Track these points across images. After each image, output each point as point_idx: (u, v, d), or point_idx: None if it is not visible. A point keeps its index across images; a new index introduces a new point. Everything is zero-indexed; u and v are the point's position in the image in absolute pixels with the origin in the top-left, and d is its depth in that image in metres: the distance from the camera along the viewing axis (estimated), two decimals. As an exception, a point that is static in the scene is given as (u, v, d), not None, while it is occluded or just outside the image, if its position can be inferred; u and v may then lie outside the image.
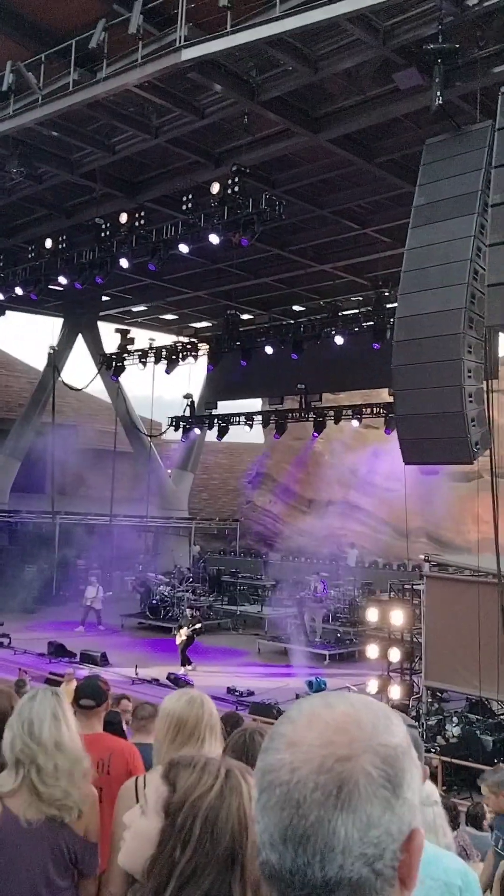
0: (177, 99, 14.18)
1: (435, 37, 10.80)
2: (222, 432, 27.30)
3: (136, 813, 1.71)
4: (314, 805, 0.82)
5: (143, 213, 16.52)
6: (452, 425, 11.03)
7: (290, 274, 23.20)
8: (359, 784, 0.83)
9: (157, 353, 25.55)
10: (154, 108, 14.77)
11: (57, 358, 28.27)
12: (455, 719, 12.79)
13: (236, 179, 14.36)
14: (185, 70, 12.40)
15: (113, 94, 13.42)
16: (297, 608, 21.13)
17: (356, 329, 21.45)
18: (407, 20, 11.51)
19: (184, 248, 16.31)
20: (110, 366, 26.72)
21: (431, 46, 10.73)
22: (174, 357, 25.18)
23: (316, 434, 26.56)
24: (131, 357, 26.36)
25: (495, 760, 10.74)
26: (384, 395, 22.46)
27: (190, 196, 15.49)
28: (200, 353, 25.35)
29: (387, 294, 20.15)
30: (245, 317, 26.49)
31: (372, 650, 15.19)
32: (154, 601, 23.17)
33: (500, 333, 12.46)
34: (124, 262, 17.11)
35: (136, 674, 16.22)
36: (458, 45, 10.78)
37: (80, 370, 30.41)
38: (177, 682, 15.35)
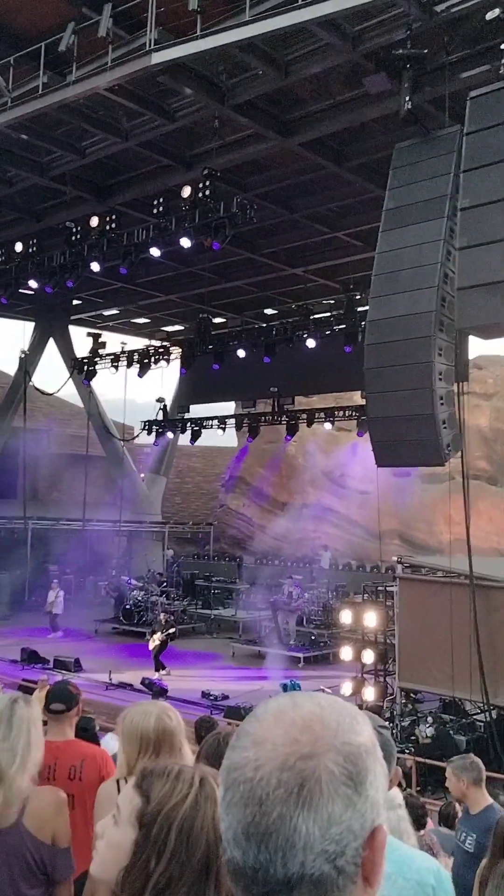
0: (147, 102, 14.17)
1: (403, 42, 10.90)
2: (195, 436, 27.23)
3: (108, 822, 1.69)
4: (276, 802, 0.83)
5: (114, 217, 16.46)
6: (424, 427, 11.11)
7: (261, 277, 23.25)
8: (320, 781, 0.84)
9: (130, 357, 25.45)
10: (124, 111, 14.73)
11: (28, 362, 28.05)
12: (429, 720, 12.86)
13: (207, 183, 14.36)
14: (156, 74, 12.39)
15: (83, 97, 13.39)
16: (271, 611, 21.13)
17: (328, 332, 21.52)
18: (376, 25, 11.60)
19: (155, 252, 16.26)
20: (82, 370, 26.59)
21: (400, 51, 10.83)
22: (146, 361, 25.10)
23: (289, 437, 26.59)
24: (103, 361, 26.22)
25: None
26: (356, 398, 22.54)
27: (161, 200, 15.45)
28: (173, 356, 25.28)
29: (358, 297, 20.23)
30: (217, 320, 26.48)
31: (346, 652, 15.24)
32: (128, 606, 23.06)
33: (471, 336, 12.57)
34: (95, 266, 17.04)
35: (110, 679, 16.12)
36: (426, 51, 10.91)
37: (51, 374, 30.25)
38: (151, 686, 15.29)
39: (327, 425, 25.58)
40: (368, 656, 14.40)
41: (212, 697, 15.22)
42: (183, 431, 27.56)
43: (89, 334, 27.75)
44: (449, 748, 11.71)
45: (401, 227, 11.70)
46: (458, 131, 11.14)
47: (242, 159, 15.95)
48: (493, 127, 10.23)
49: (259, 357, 22.82)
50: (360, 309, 19.65)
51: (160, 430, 27.90)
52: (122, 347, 26.18)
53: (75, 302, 27.04)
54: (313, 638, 20.56)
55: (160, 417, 28.04)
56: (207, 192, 14.34)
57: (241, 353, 23.27)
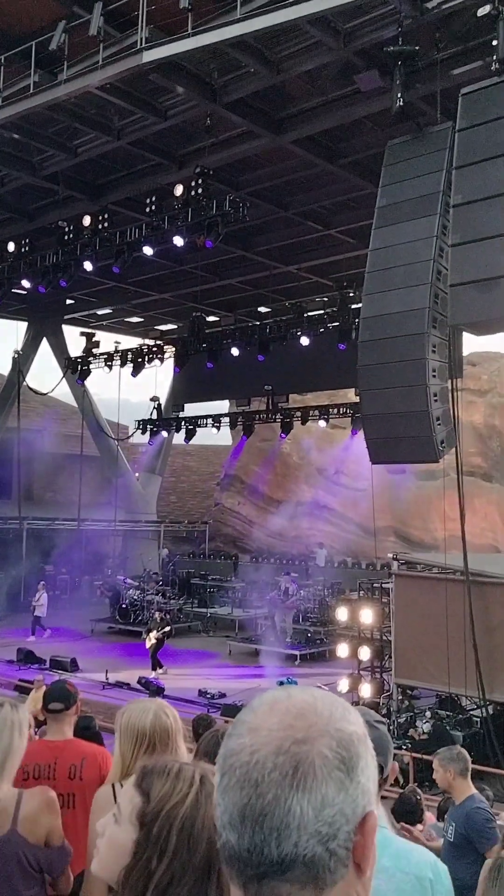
0: (139, 101, 14.14)
1: (395, 39, 10.89)
2: (190, 435, 27.25)
3: (109, 821, 1.68)
4: (272, 784, 0.86)
5: (106, 216, 16.44)
6: (418, 424, 11.13)
7: (255, 275, 23.24)
8: (314, 765, 0.87)
9: (123, 356, 25.43)
10: (116, 110, 14.70)
11: (21, 362, 28.02)
12: (425, 715, 12.89)
13: (200, 181, 14.35)
14: (147, 72, 12.38)
15: (74, 96, 13.35)
16: (267, 609, 21.14)
17: (321, 330, 21.54)
18: (367, 23, 11.59)
19: (148, 251, 16.25)
20: (76, 369, 26.55)
21: (391, 48, 10.83)
22: (140, 360, 25.09)
23: (283, 435, 26.61)
24: (97, 360, 26.21)
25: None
26: (350, 396, 22.59)
27: (154, 198, 15.44)
28: (166, 355, 25.28)
29: (351, 295, 20.26)
30: (211, 319, 26.48)
31: (342, 649, 15.26)
32: (123, 605, 23.05)
33: (464, 332, 12.60)
34: (88, 265, 17.01)
35: (107, 679, 16.12)
36: (417, 48, 10.89)
37: (45, 374, 30.22)
38: (148, 686, 15.29)
39: (322, 423, 25.62)
40: (365, 653, 14.42)
41: (209, 696, 15.23)
42: (177, 430, 27.57)
43: (83, 334, 27.76)
44: (446, 744, 11.68)
45: (394, 224, 11.72)
46: (450, 128, 11.15)
47: (235, 157, 15.94)
48: (485, 123, 10.26)
49: (253, 355, 22.83)
50: (353, 306, 19.67)
51: (154, 430, 27.91)
52: (116, 347, 26.19)
53: (68, 301, 26.99)
54: (310, 635, 20.58)
55: (154, 416, 28.03)
56: (200, 191, 14.33)
57: (234, 351, 23.28)
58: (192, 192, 14.41)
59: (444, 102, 11.48)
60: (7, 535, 27.58)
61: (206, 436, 28.15)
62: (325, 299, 23.34)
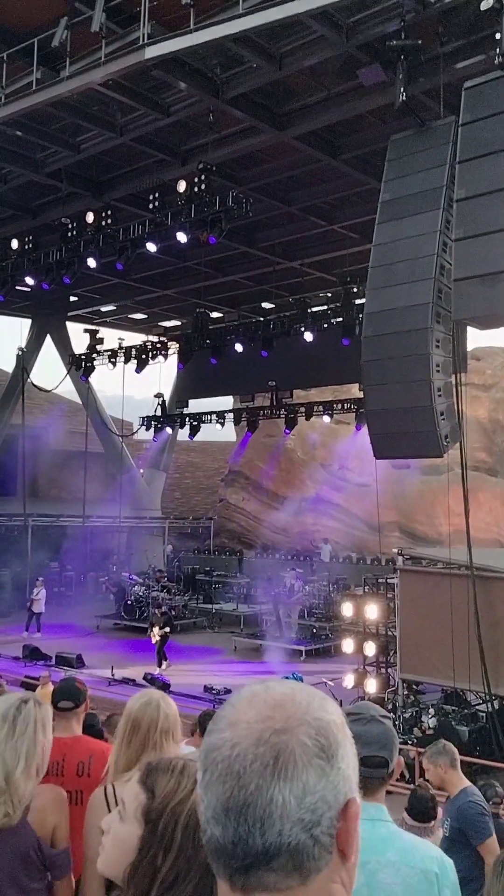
0: (141, 97, 14.13)
1: (397, 33, 10.86)
2: (194, 431, 27.23)
3: (114, 818, 1.69)
4: (253, 775, 0.87)
5: (109, 212, 16.41)
6: (422, 419, 11.12)
7: (258, 271, 23.22)
8: (294, 753, 0.88)
9: (127, 353, 25.42)
10: (119, 106, 14.69)
11: (25, 359, 28.04)
12: (431, 711, 12.89)
13: (203, 177, 14.33)
14: (149, 68, 12.35)
15: (77, 92, 13.34)
16: (272, 605, 21.16)
17: (325, 325, 21.50)
18: (369, 17, 11.55)
19: (151, 247, 16.24)
20: (80, 366, 26.54)
21: (394, 43, 10.79)
22: (144, 356, 25.07)
23: (288, 430, 26.60)
24: (101, 357, 26.19)
25: (474, 750, 10.87)
26: (354, 391, 22.53)
27: (156, 194, 15.42)
28: (170, 351, 25.26)
29: (355, 290, 20.20)
30: (214, 315, 26.45)
31: (347, 645, 15.26)
32: (129, 601, 23.09)
33: (469, 327, 12.57)
34: (92, 262, 17.00)
35: (113, 675, 16.16)
36: (420, 42, 10.86)
37: (49, 371, 30.23)
38: (153, 682, 15.32)
39: (326, 418, 25.60)
40: (370, 648, 14.43)
41: (214, 691, 15.25)
42: (182, 426, 27.56)
43: (86, 330, 27.73)
44: (451, 739, 11.71)
45: (397, 219, 11.69)
46: (453, 122, 11.12)
47: (237, 153, 15.92)
48: (489, 117, 10.22)
49: (257, 351, 22.81)
50: (357, 301, 19.63)
51: (159, 426, 27.90)
52: (120, 343, 26.16)
53: (72, 298, 27.00)
54: (315, 631, 20.60)
55: (158, 413, 28.03)
56: (203, 187, 14.30)
57: (238, 347, 23.26)
58: (195, 188, 14.39)
59: (448, 97, 11.45)
60: (12, 532, 27.65)
61: (211, 432, 28.14)
62: (329, 295, 23.32)
